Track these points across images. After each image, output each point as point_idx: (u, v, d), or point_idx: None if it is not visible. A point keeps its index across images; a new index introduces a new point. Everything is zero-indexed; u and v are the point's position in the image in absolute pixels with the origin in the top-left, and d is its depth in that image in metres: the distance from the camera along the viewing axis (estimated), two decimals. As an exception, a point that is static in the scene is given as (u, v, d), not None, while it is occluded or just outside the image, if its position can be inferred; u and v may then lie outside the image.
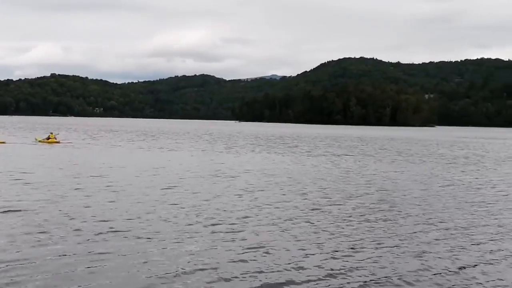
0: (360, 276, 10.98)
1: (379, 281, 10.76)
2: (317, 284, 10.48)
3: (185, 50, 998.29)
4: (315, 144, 67.12)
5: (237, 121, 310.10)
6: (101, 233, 13.93)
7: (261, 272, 11.02)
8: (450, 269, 11.70)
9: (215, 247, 12.79)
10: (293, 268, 11.35)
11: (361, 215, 17.73)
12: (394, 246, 13.52)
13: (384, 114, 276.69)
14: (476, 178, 31.05)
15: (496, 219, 17.84)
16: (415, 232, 15.29)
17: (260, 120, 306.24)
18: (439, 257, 12.65)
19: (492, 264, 12.24)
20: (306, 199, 21.05)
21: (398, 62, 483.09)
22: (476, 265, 12.08)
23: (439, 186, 26.54)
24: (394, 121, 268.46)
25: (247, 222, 15.81)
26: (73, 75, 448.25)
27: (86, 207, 17.57)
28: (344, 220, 16.76)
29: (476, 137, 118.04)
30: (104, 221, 15.47)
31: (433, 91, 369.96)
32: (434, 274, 11.34)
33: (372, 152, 53.76)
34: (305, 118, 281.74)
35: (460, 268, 11.81)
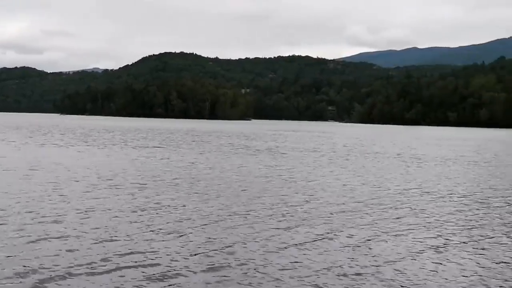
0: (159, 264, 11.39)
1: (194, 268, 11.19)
2: (122, 271, 10.86)
3: (5, 42, 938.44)
4: (135, 137, 68.82)
5: (59, 114, 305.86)
6: None
7: (58, 260, 11.41)
8: (257, 255, 12.34)
9: (31, 241, 12.97)
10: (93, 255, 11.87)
11: (174, 206, 18.12)
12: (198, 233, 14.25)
13: (204, 107, 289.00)
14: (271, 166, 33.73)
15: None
16: (221, 221, 16.04)
17: (82, 113, 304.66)
18: (255, 242, 13.54)
19: (298, 248, 13.06)
20: (115, 189, 21.72)
21: (217, 58, 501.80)
22: (284, 249, 12.91)
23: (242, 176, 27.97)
24: (213, 115, 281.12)
25: (60, 214, 16.11)
26: None
27: None
28: (159, 209, 17.41)
29: (286, 130, 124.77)
30: None
31: (249, 86, 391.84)
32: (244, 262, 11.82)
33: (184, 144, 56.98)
34: (127, 111, 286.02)
35: (266, 252, 12.61)
